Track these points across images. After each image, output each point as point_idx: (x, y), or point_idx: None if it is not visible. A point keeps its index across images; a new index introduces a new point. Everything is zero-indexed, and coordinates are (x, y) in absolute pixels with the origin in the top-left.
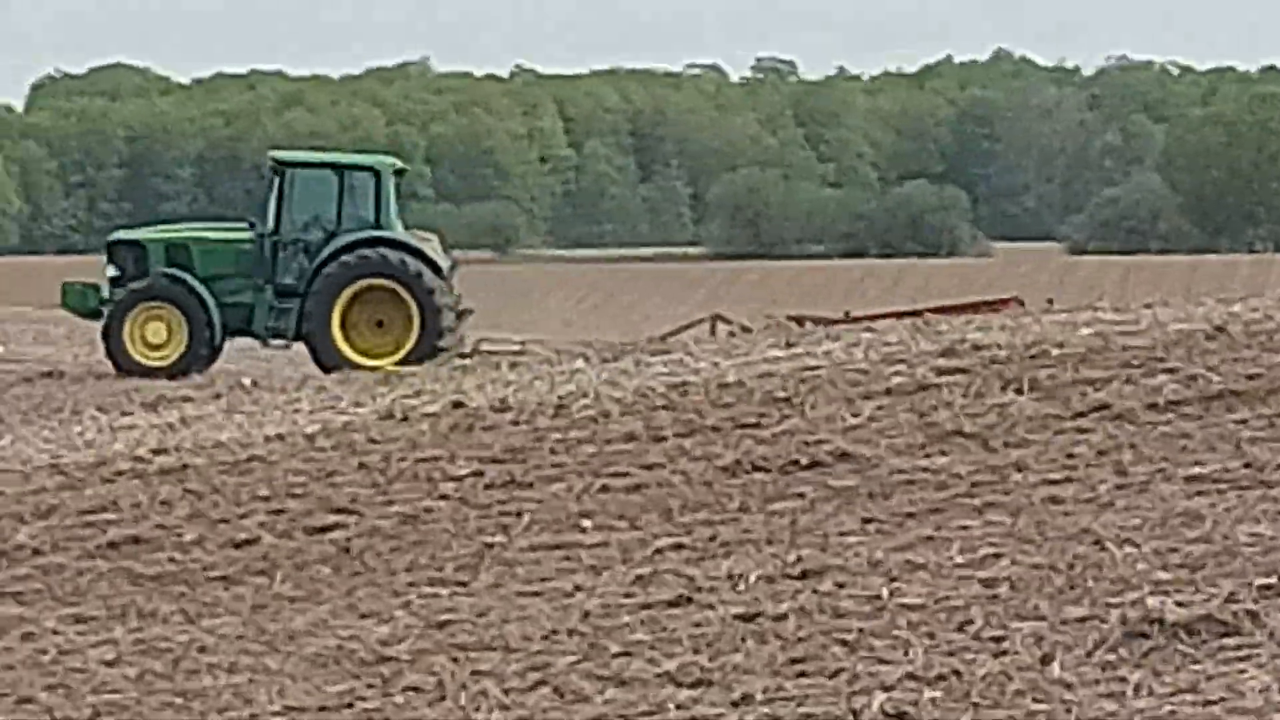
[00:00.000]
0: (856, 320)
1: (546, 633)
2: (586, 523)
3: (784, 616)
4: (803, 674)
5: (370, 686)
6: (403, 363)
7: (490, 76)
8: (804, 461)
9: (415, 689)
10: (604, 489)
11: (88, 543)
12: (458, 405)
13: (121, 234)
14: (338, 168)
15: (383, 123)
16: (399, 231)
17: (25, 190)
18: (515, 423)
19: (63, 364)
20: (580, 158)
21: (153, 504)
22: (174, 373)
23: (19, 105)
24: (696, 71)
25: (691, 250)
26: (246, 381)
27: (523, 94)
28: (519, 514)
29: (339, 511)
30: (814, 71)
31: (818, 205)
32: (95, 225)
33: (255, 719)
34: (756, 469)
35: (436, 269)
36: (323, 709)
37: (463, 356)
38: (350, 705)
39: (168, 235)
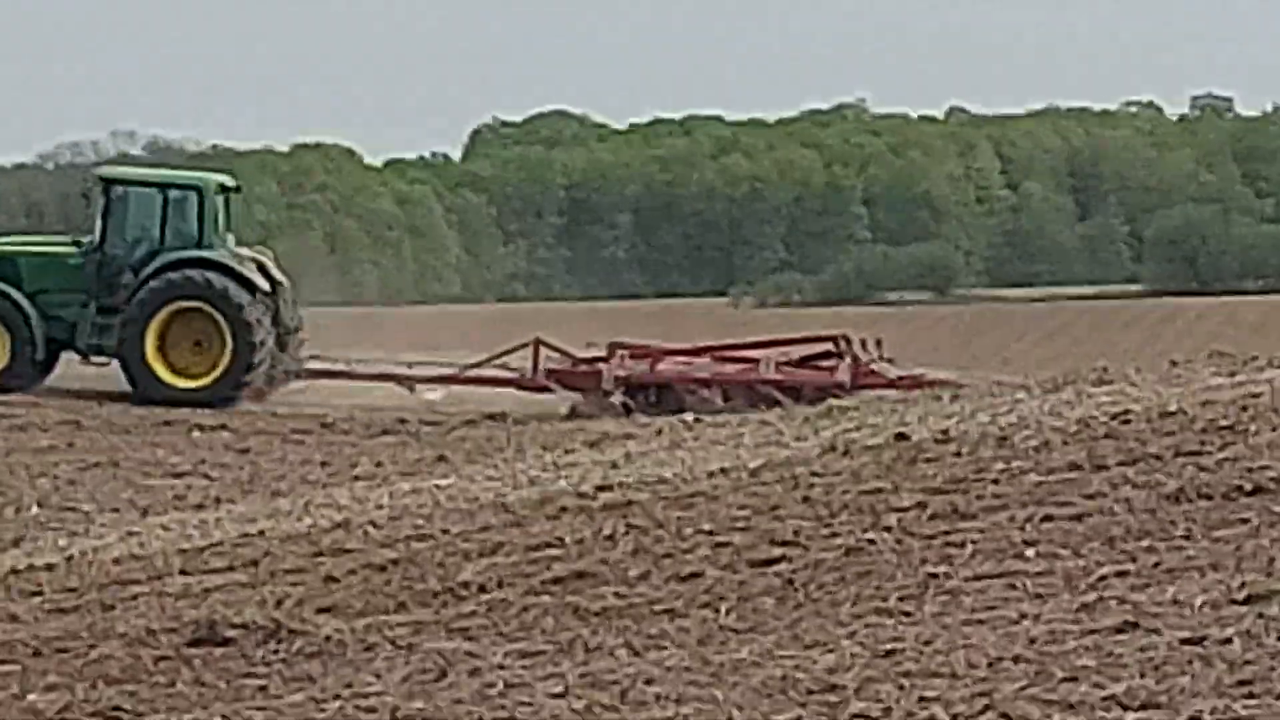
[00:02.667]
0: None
1: (992, 660)
2: (1030, 552)
3: (1229, 640)
4: (1250, 695)
5: (818, 714)
6: (217, 383)
7: (925, 117)
8: (1247, 488)
9: (862, 716)
10: (1047, 518)
11: (533, 579)
12: (900, 438)
13: None
14: (162, 185)
15: (820, 165)
16: (220, 251)
17: (464, 239)
18: (957, 454)
19: (505, 406)
20: (1017, 197)
21: (597, 539)
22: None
23: (457, 154)
24: (1133, 109)
25: (1130, 287)
26: (689, 417)
27: (959, 134)
28: (962, 544)
29: (783, 544)
30: (1251, 107)
31: (1256, 241)
32: (535, 273)
33: None
34: (1200, 496)
35: (252, 288)
36: None
37: (295, 376)
38: None
39: None
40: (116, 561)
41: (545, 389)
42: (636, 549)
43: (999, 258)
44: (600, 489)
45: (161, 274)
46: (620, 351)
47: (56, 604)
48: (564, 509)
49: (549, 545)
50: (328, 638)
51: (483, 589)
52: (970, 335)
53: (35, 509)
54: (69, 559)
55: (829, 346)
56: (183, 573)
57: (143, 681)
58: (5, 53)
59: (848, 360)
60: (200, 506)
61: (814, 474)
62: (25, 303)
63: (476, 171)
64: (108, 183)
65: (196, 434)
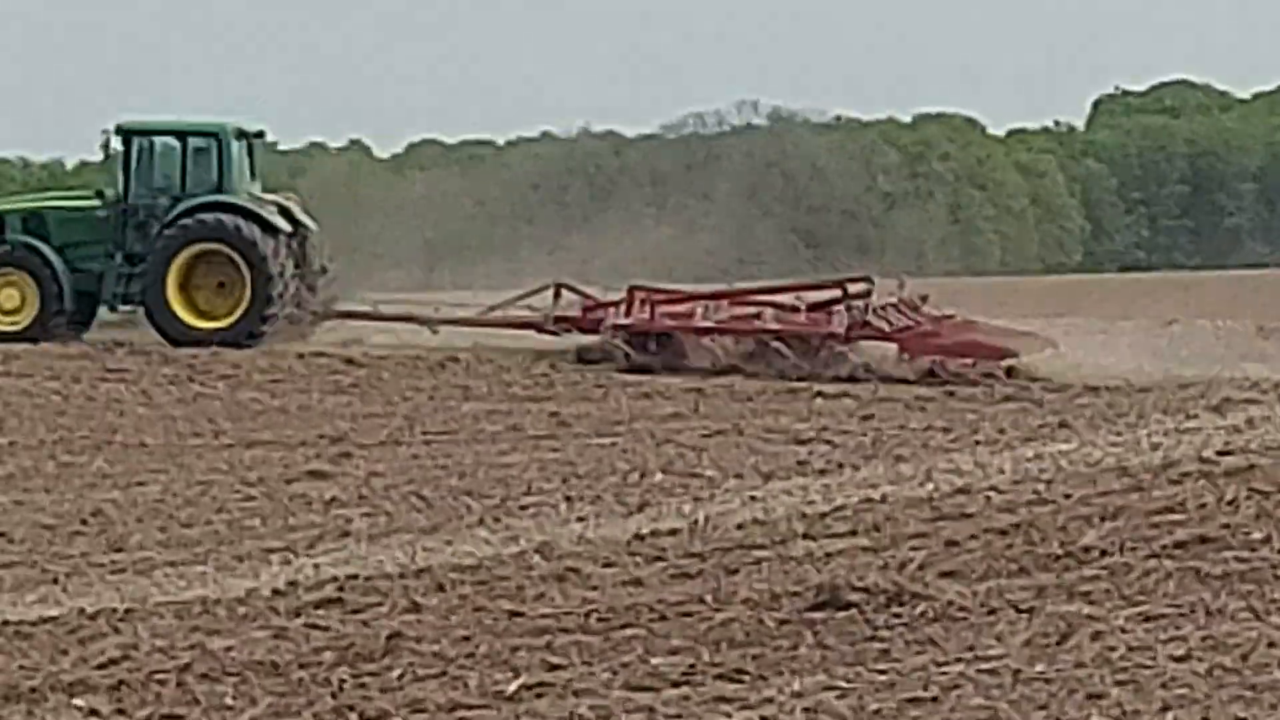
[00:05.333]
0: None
1: None
2: None
3: None
4: None
5: None
6: (237, 323)
7: None
8: None
9: None
10: None
11: (1154, 543)
12: None
13: None
14: (180, 133)
15: None
16: (241, 195)
17: (1086, 208)
18: None
19: (1127, 374)
20: None
21: (1219, 504)
22: (28, 338)
23: (1080, 123)
24: None
25: None
26: None
27: None
28: None
29: None
30: None
31: None
32: (1157, 243)
33: None
34: None
35: (274, 231)
36: None
37: (324, 317)
38: None
39: (25, 205)
40: (739, 527)
41: (555, 333)
42: (1259, 513)
43: None
44: (1222, 454)
45: (180, 219)
46: (638, 296)
47: (680, 569)
48: (1185, 474)
49: (1170, 510)
50: (950, 602)
51: (1104, 553)
52: None
53: (659, 475)
54: (693, 524)
55: (838, 292)
56: (805, 537)
57: (765, 645)
58: (632, 28)
59: (851, 309)
60: (823, 472)
61: None
62: (53, 256)
63: (1098, 140)
64: (128, 134)
65: (819, 401)
